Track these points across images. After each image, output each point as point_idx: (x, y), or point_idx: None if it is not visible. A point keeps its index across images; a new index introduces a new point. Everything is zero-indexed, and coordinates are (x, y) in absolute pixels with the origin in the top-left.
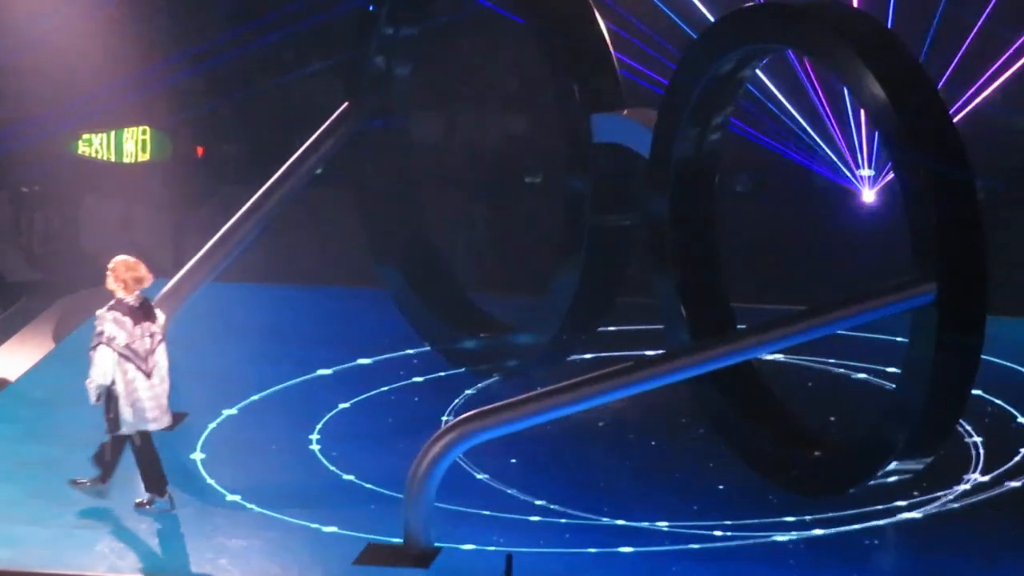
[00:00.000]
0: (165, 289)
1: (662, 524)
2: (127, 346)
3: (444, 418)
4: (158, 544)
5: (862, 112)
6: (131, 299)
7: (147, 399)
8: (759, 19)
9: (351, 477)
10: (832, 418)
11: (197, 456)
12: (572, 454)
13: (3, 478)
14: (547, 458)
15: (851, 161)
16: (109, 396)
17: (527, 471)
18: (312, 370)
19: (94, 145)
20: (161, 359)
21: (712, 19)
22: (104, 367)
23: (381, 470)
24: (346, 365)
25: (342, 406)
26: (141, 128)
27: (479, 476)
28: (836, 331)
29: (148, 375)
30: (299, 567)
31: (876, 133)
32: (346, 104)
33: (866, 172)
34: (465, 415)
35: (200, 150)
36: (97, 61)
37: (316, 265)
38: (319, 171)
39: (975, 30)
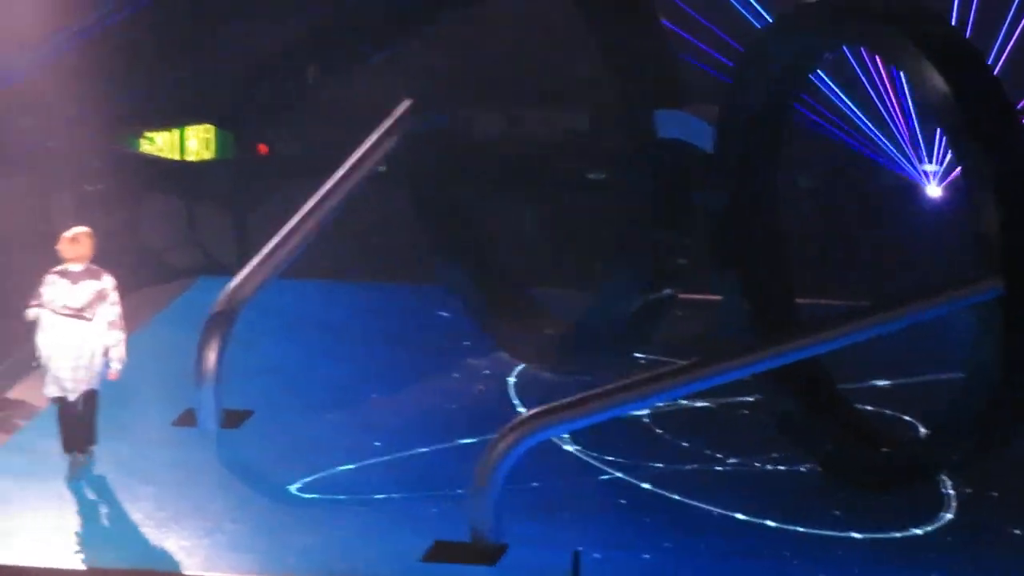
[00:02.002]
0: (228, 286)
1: (737, 514)
2: (64, 304)
3: (519, 408)
4: (225, 542)
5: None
6: (74, 266)
7: (85, 355)
8: (821, 14)
9: (419, 474)
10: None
11: (263, 454)
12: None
13: (70, 476)
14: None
15: (916, 156)
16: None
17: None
18: (375, 367)
19: (157, 143)
20: (99, 315)
21: (772, 15)
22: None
23: (448, 467)
24: (409, 362)
25: (404, 402)
26: (204, 126)
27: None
28: (901, 327)
29: (90, 319)
30: (366, 564)
31: (940, 128)
32: (407, 101)
33: (931, 167)
34: (532, 412)
35: (263, 148)
36: (157, 58)
37: (378, 262)
38: (381, 168)
39: None
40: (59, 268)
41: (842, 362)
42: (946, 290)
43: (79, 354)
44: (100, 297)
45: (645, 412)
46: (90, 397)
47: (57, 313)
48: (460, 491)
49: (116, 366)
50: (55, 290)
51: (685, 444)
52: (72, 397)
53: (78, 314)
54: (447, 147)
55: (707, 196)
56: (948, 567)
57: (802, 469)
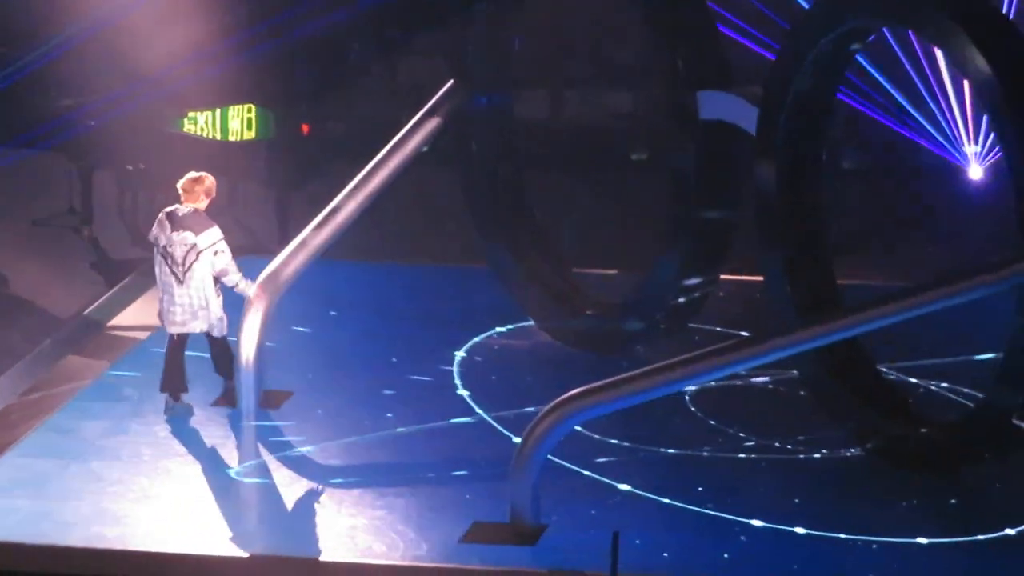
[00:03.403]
0: (270, 267)
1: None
2: (164, 248)
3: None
4: (264, 523)
5: (967, 87)
6: (182, 208)
7: (176, 303)
8: None
9: (458, 456)
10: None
11: (302, 436)
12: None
13: (110, 455)
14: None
15: (958, 137)
16: None
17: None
18: (418, 348)
19: (199, 123)
20: (198, 271)
21: None
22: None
23: (489, 448)
24: (452, 343)
25: (445, 382)
26: (246, 106)
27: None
28: (943, 307)
29: (181, 281)
30: (405, 545)
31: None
32: (451, 81)
33: (973, 148)
34: (573, 392)
35: (306, 128)
36: (201, 37)
37: (421, 243)
38: (425, 148)
39: None
40: (170, 208)
41: (892, 340)
42: (988, 271)
43: (174, 300)
44: (193, 253)
45: (684, 393)
46: (215, 342)
47: (159, 253)
48: (499, 471)
49: (250, 291)
50: (159, 230)
51: (727, 426)
52: (175, 335)
53: (172, 267)
54: (491, 127)
55: (751, 177)
56: None
57: (847, 453)
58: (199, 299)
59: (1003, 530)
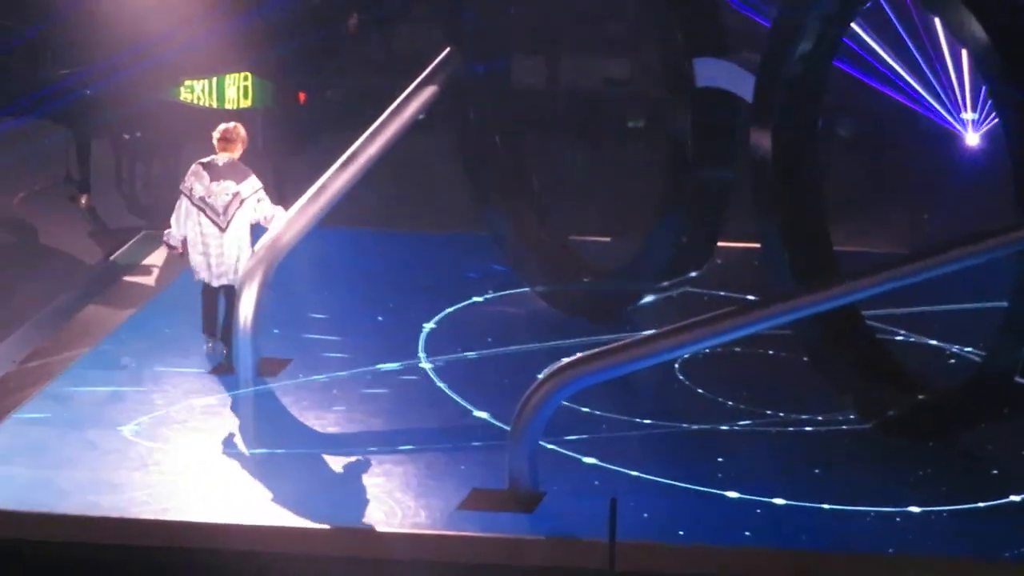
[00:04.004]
0: (267, 235)
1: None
2: (202, 199)
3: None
4: (260, 490)
5: (964, 53)
6: (220, 158)
7: (213, 254)
8: None
9: (455, 424)
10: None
11: (300, 404)
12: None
13: (107, 423)
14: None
15: (955, 104)
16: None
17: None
18: (413, 316)
19: (195, 92)
20: (239, 220)
21: None
22: (176, 213)
23: (487, 415)
24: (447, 311)
25: (445, 350)
26: (243, 74)
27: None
28: (939, 274)
29: (223, 229)
30: (404, 512)
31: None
32: (448, 49)
33: (970, 115)
34: (571, 359)
35: (302, 96)
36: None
37: (418, 210)
38: (421, 116)
39: None
40: (205, 159)
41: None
42: (985, 238)
43: (209, 251)
44: (236, 201)
45: (676, 361)
46: (231, 299)
47: (194, 204)
48: (498, 440)
49: None
50: (195, 180)
51: (718, 395)
52: (213, 283)
53: (213, 216)
54: (487, 95)
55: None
56: None
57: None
58: (237, 248)
59: (1007, 497)
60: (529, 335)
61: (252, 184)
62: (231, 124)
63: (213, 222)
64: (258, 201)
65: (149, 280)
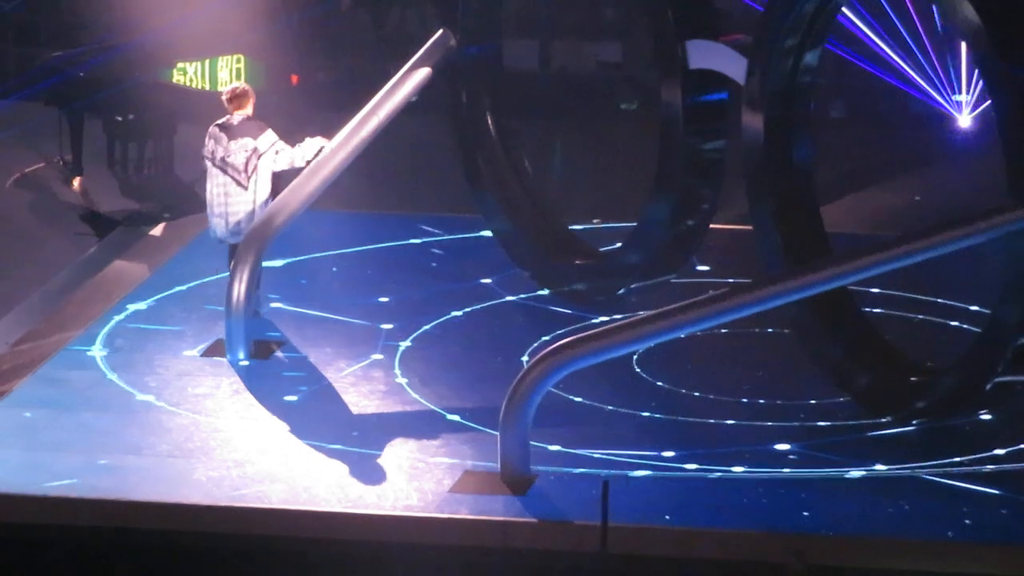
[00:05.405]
0: (259, 218)
1: (782, 447)
2: (222, 159)
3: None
4: (253, 474)
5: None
6: (235, 117)
7: (233, 213)
8: None
9: (445, 406)
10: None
11: (292, 386)
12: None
13: (100, 406)
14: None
15: (947, 86)
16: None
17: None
18: (403, 298)
19: (188, 74)
20: (261, 174)
21: None
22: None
23: (476, 398)
24: (438, 291)
25: (432, 334)
26: (235, 56)
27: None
28: (931, 257)
29: (245, 187)
30: (396, 495)
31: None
32: (440, 31)
33: (962, 97)
34: (563, 341)
35: (295, 78)
36: None
37: (410, 192)
38: (414, 98)
39: None
40: (220, 121)
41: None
42: (977, 220)
43: (230, 211)
44: (255, 156)
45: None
46: None
47: (215, 166)
48: (490, 427)
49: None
50: (214, 143)
51: (711, 375)
52: (230, 241)
53: (235, 175)
54: (480, 77)
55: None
56: None
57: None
58: (258, 204)
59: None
60: (537, 322)
61: (269, 138)
62: (239, 84)
63: (236, 181)
64: (276, 153)
65: (141, 262)
